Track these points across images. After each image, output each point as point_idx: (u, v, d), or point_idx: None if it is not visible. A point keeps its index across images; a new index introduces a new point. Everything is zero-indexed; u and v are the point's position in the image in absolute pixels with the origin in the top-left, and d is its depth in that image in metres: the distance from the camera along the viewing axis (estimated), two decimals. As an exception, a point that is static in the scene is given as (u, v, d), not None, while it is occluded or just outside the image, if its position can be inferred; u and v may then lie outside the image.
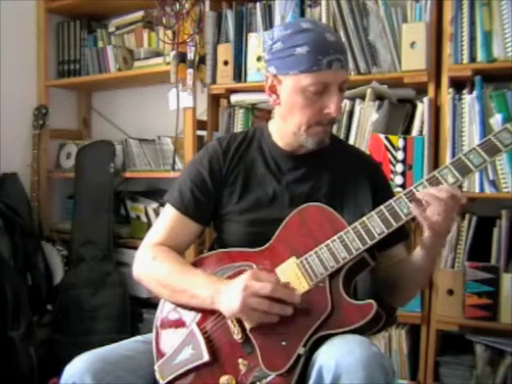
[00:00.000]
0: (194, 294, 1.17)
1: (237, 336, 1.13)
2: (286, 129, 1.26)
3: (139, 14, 2.64)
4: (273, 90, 1.23)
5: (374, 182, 1.28)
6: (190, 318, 1.21)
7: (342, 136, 1.97)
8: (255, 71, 2.15)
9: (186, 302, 1.20)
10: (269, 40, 1.21)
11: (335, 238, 1.12)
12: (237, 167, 1.29)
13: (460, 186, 1.74)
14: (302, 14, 2.09)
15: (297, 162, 1.29)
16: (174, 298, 1.22)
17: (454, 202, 1.04)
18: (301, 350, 1.07)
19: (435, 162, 1.88)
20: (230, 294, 1.10)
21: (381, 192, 1.26)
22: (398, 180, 1.87)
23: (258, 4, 2.17)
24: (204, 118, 2.34)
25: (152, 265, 1.25)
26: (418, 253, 1.16)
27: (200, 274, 1.20)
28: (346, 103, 1.99)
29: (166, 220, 1.30)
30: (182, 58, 2.23)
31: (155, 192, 2.65)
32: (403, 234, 1.27)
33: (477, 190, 1.79)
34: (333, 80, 1.16)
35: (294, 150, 1.28)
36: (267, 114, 2.19)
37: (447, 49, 1.84)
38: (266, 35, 2.06)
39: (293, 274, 1.14)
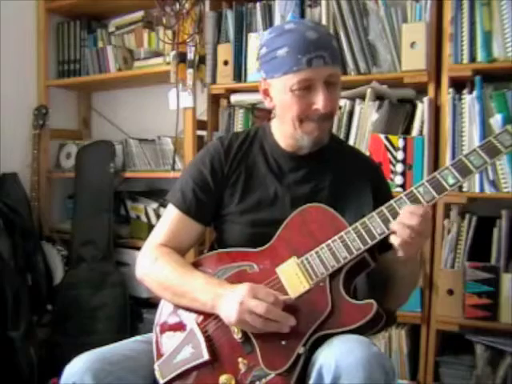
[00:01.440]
0: (194, 297, 1.17)
1: (237, 335, 1.13)
2: (284, 129, 1.26)
3: (139, 14, 2.64)
4: (266, 93, 1.26)
5: (374, 183, 1.29)
6: (190, 317, 1.21)
7: (341, 136, 1.97)
8: (255, 71, 2.15)
9: (187, 304, 1.20)
10: (259, 45, 1.23)
11: (336, 237, 1.12)
12: (238, 167, 1.29)
13: (460, 187, 1.76)
14: (302, 13, 2.09)
15: (298, 163, 1.29)
16: (176, 300, 1.22)
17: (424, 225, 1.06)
18: (300, 350, 1.07)
19: (435, 162, 1.88)
20: (227, 303, 1.11)
21: (381, 194, 1.26)
22: (398, 180, 1.87)
23: (257, 4, 2.17)
24: (204, 118, 2.34)
25: (154, 267, 1.25)
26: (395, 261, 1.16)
27: (201, 278, 1.20)
28: (346, 103, 1.99)
29: (168, 220, 1.30)
30: (182, 58, 2.23)
31: (155, 192, 2.66)
32: None
33: (477, 190, 1.79)
34: (315, 77, 1.16)
35: (295, 151, 1.28)
36: (267, 113, 2.19)
37: (447, 49, 1.84)
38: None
39: (293, 274, 1.14)
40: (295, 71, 1.15)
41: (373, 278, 1.24)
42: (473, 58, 1.81)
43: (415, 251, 1.12)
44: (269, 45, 1.19)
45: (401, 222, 1.07)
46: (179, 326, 1.22)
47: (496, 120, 1.74)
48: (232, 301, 1.09)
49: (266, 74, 1.23)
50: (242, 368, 1.12)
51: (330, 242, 1.12)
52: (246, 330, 1.12)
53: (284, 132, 1.27)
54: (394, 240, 1.07)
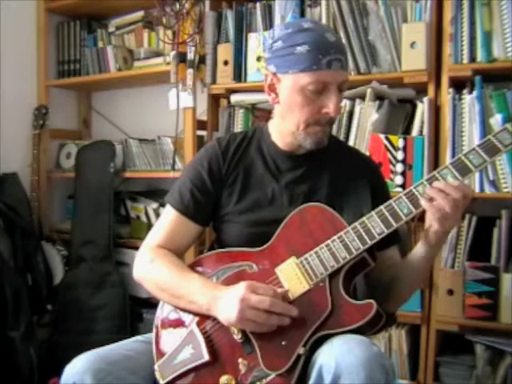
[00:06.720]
0: (191, 300, 1.17)
1: (237, 336, 1.13)
2: (284, 128, 1.26)
3: (139, 14, 2.64)
4: (272, 89, 1.24)
5: (373, 182, 1.28)
6: (190, 317, 1.21)
7: (341, 136, 1.97)
8: (255, 71, 2.15)
9: (184, 306, 1.20)
10: (269, 39, 1.22)
11: (335, 237, 1.12)
12: (236, 168, 1.29)
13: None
14: (302, 14, 2.09)
15: (296, 162, 1.29)
16: (173, 302, 1.22)
17: (464, 201, 1.05)
18: (301, 350, 1.07)
19: (435, 162, 1.88)
20: (227, 303, 1.10)
21: (379, 193, 1.26)
22: (398, 180, 1.87)
23: (257, 4, 2.17)
24: (204, 118, 2.34)
25: (150, 268, 1.25)
26: (417, 251, 1.16)
27: (197, 280, 1.20)
28: (346, 103, 1.99)
29: (165, 221, 1.30)
30: (182, 58, 2.23)
31: (155, 192, 2.66)
32: (397, 237, 1.28)
33: (477, 189, 1.78)
34: (332, 80, 1.16)
35: (293, 150, 1.28)
36: (267, 114, 2.18)
37: (447, 49, 1.84)
38: (267, 34, 2.06)
39: (293, 274, 1.14)
40: (314, 70, 1.14)
41: (372, 278, 1.24)
42: (473, 58, 1.81)
43: (450, 227, 1.10)
44: (286, 39, 1.17)
45: (444, 189, 1.05)
46: (179, 327, 1.22)
47: (496, 120, 1.74)
48: (232, 300, 1.09)
49: (276, 69, 1.20)
50: (242, 369, 1.11)
51: (329, 242, 1.12)
52: (247, 328, 1.11)
53: (284, 130, 1.27)
54: (431, 210, 1.06)
